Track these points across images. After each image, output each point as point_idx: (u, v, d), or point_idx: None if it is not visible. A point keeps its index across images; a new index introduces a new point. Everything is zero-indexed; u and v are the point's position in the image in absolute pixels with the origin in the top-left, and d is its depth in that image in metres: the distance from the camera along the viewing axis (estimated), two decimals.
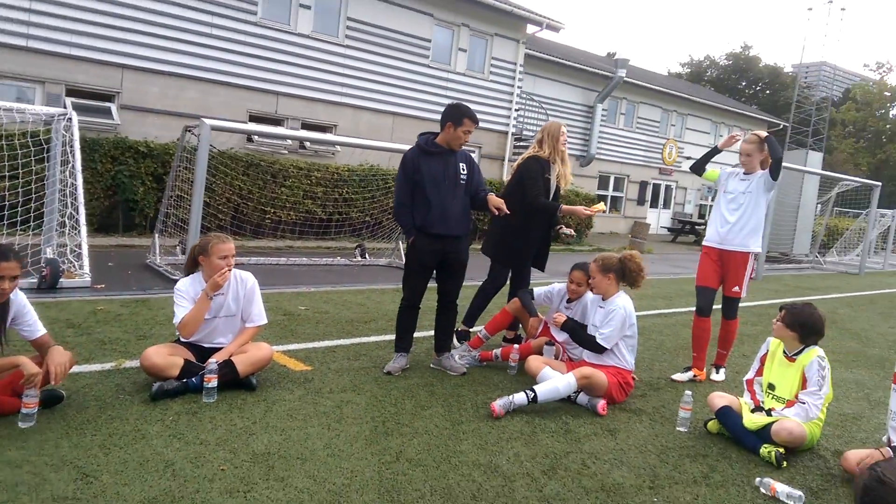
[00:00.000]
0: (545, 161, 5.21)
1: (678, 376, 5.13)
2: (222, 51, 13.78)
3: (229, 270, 4.05)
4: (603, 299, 4.50)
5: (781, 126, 31.95)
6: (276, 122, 14.93)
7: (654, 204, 28.74)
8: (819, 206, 19.47)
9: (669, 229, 26.73)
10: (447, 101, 4.65)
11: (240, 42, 13.97)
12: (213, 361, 3.83)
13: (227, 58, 13.85)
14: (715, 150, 5.17)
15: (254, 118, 14.48)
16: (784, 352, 3.90)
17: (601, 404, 4.09)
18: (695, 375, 5.13)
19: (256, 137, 13.61)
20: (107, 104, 12.54)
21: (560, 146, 5.24)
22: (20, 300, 3.41)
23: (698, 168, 5.26)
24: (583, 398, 4.18)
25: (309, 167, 12.81)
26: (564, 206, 5.19)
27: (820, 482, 3.34)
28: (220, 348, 4.09)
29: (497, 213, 4.52)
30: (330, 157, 15.18)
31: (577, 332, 4.51)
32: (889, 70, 56.61)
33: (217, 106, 13.69)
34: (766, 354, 4.04)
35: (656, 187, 28.69)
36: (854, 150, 53.06)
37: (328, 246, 12.26)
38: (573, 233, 5.60)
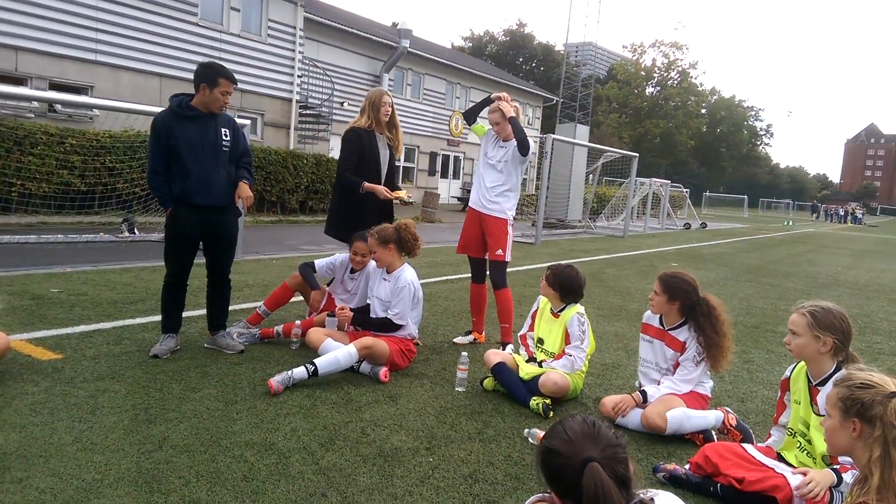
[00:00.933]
0: (363, 131, 5.00)
1: (459, 339, 5.33)
2: None
3: None
4: (388, 271, 4.49)
5: (555, 101, 34.69)
6: (17, 81, 12.93)
7: (444, 174, 29.79)
8: (589, 175, 21.54)
9: (459, 199, 27.92)
10: (222, 63, 4.23)
11: None
12: None
13: None
14: (488, 101, 5.18)
15: None
16: (551, 309, 4.21)
17: (383, 371, 4.11)
18: (474, 339, 5.37)
19: None
20: None
21: (381, 115, 5.03)
22: None
23: (469, 116, 5.29)
24: (365, 367, 4.17)
25: (62, 133, 11.28)
26: (367, 184, 4.91)
27: None
28: None
29: (243, 209, 4.32)
30: (87, 121, 13.52)
31: (369, 321, 4.42)
32: (643, 51, 64.01)
33: None
34: (536, 311, 4.34)
35: (445, 158, 29.75)
36: (618, 125, 59.54)
37: (91, 221, 10.96)
38: (408, 197, 5.28)
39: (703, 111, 67.28)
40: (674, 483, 2.96)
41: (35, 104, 12.69)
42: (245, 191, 4.29)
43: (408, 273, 4.45)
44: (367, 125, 5.02)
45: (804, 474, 2.65)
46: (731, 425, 3.58)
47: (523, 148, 4.93)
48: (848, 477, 2.51)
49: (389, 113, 5.11)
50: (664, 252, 14.88)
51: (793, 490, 2.60)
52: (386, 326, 4.34)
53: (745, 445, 3.09)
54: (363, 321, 4.44)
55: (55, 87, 13.43)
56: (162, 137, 4.11)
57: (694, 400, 3.66)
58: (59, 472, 2.66)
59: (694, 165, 73.13)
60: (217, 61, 4.37)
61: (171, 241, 4.29)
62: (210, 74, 4.12)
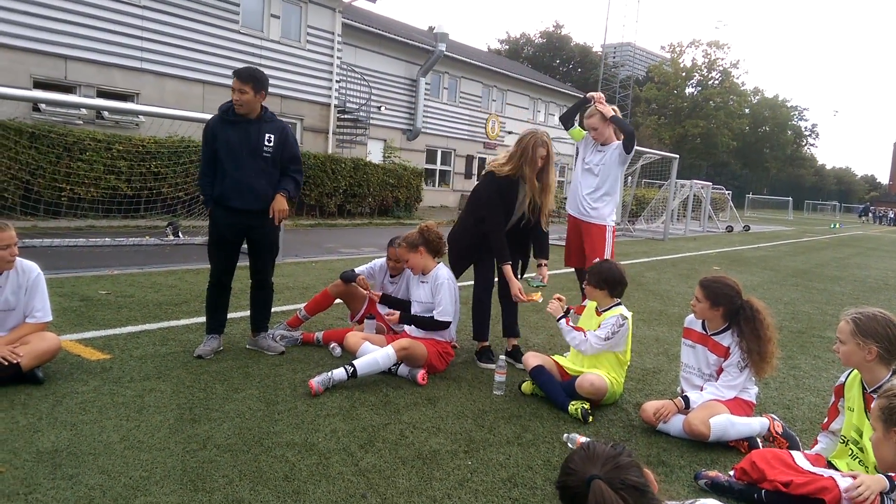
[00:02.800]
0: (503, 180, 4.49)
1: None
2: None
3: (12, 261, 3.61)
4: (423, 274, 4.51)
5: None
6: (67, 89, 13.38)
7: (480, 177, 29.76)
8: (628, 177, 21.30)
9: None
10: (262, 69, 4.31)
11: None
12: None
13: (2, 16, 12.09)
14: (584, 101, 5.01)
15: (39, 85, 12.84)
16: (597, 308, 4.15)
17: (421, 374, 4.12)
18: None
19: (44, 106, 12.08)
20: None
21: (535, 163, 4.43)
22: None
23: (566, 120, 5.14)
24: (403, 370, 4.20)
25: (109, 139, 11.64)
26: (507, 270, 4.46)
27: (622, 433, 3.60)
28: None
29: (275, 221, 4.34)
30: (133, 127, 13.90)
31: (416, 319, 4.42)
32: (682, 51, 63.04)
33: None
34: (583, 307, 4.29)
35: (482, 161, 29.71)
36: (657, 126, 58.68)
37: (137, 225, 11.27)
38: (544, 278, 4.74)
39: (746, 111, 65.86)
40: (716, 490, 2.89)
41: (83, 111, 13.11)
42: (280, 203, 4.32)
43: (443, 271, 4.48)
44: (509, 172, 4.50)
45: (854, 477, 2.57)
46: (776, 433, 3.49)
47: (630, 143, 4.76)
48: None
49: (545, 160, 4.48)
50: (706, 255, 14.61)
51: (842, 492, 2.53)
52: (432, 325, 4.35)
53: (793, 453, 3.01)
54: (410, 318, 4.44)
55: (102, 94, 13.84)
56: (209, 140, 4.30)
57: (738, 406, 3.57)
58: (107, 469, 2.74)
59: (736, 167, 71.58)
60: (258, 67, 4.45)
61: (211, 241, 4.44)
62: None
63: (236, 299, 5.08)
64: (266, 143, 4.31)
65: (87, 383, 3.70)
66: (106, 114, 13.41)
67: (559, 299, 4.16)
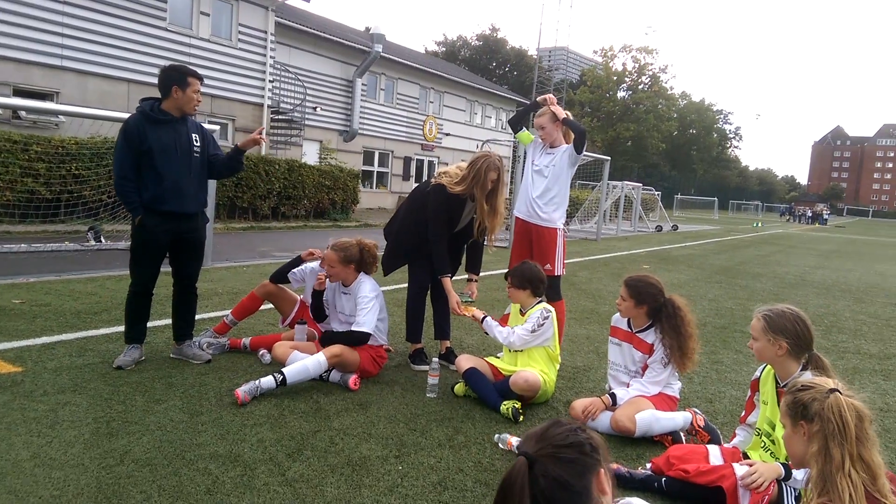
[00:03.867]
0: (453, 196, 4.50)
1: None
2: None
3: None
4: (344, 285, 4.44)
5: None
6: None
7: (418, 179, 29.76)
8: None
9: None
10: (192, 68, 4.17)
11: None
12: None
13: None
14: (535, 105, 4.97)
15: None
16: (520, 310, 4.20)
17: (353, 379, 4.06)
18: None
19: None
20: None
21: (486, 185, 4.47)
22: None
23: (515, 123, 5.12)
24: (335, 375, 4.13)
25: (26, 140, 11.05)
26: (445, 282, 4.50)
27: None
28: None
29: (258, 137, 4.39)
30: (52, 128, 13.26)
31: (335, 336, 4.26)
32: (613, 56, 64.70)
33: None
34: (507, 315, 4.33)
35: (420, 163, 29.73)
36: (591, 129, 60.06)
37: (56, 230, 10.74)
38: (473, 293, 4.76)
39: (674, 115, 68.22)
40: (619, 481, 2.95)
41: None
42: (248, 138, 4.37)
43: (367, 285, 4.37)
44: (462, 190, 4.50)
45: (751, 465, 2.68)
46: (699, 426, 3.61)
47: (581, 142, 4.71)
48: (800, 474, 2.53)
49: (495, 183, 4.52)
50: (636, 255, 15.02)
51: (738, 479, 2.63)
52: (353, 339, 4.20)
53: (710, 447, 3.11)
54: (329, 338, 4.26)
55: (20, 93, 13.14)
56: (134, 142, 4.00)
57: (662, 402, 3.68)
58: (15, 489, 2.59)
59: (665, 168, 74.03)
60: (182, 63, 4.32)
61: (139, 250, 4.20)
62: (179, 76, 4.08)
63: (159, 306, 4.91)
64: (195, 143, 4.19)
65: None
66: (23, 113, 12.73)
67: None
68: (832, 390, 1.99)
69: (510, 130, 5.36)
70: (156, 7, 15.57)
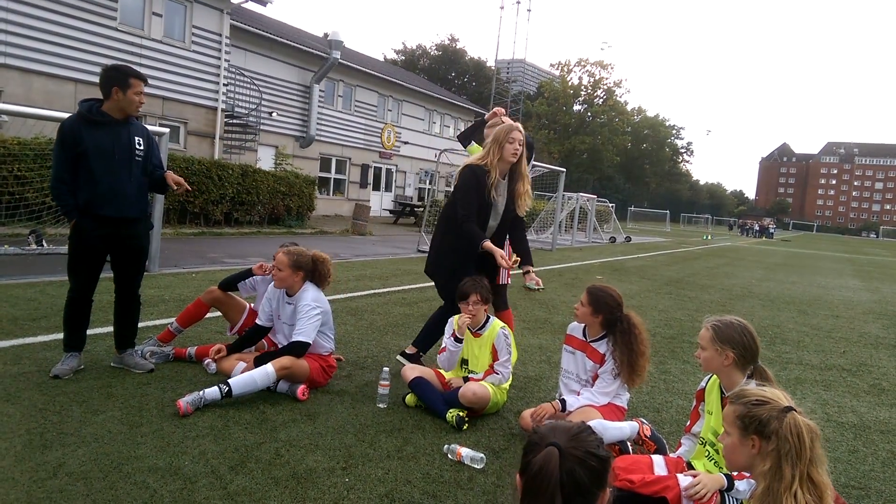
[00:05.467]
0: (479, 169, 4.31)
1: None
2: None
3: None
4: (288, 294, 4.30)
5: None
6: None
7: (376, 187, 29.66)
8: None
9: (391, 211, 27.81)
10: (142, 69, 4.05)
11: None
12: None
13: None
14: (482, 121, 5.00)
15: None
16: (469, 328, 4.17)
17: (301, 389, 3.98)
18: None
19: None
20: None
21: (508, 155, 4.29)
22: None
23: (465, 138, 5.17)
24: (283, 385, 4.04)
25: None
26: (487, 244, 4.22)
27: (502, 442, 3.64)
28: None
29: (176, 189, 4.14)
30: None
31: (272, 355, 4.07)
32: (569, 70, 65.79)
33: None
34: (453, 333, 4.25)
35: (377, 170, 29.63)
36: (547, 140, 60.88)
37: None
38: (537, 282, 4.54)
39: (628, 129, 69.71)
40: None
41: None
42: (173, 176, 4.15)
43: (309, 293, 4.23)
44: (488, 164, 4.32)
45: (694, 475, 2.72)
46: (645, 436, 3.64)
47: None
48: (743, 485, 2.58)
49: (518, 154, 4.36)
50: (590, 265, 15.23)
51: (681, 490, 2.66)
52: (292, 351, 4.06)
53: (655, 458, 3.15)
54: (268, 357, 4.07)
55: None
56: (69, 144, 3.89)
57: (611, 412, 3.72)
58: None
59: (620, 181, 75.59)
60: (130, 65, 4.19)
61: (75, 255, 4.06)
62: (120, 76, 3.95)
63: (101, 313, 4.74)
64: (137, 146, 4.06)
65: None
66: None
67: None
68: (788, 408, 2.02)
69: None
70: (105, 6, 15.16)
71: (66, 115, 8.45)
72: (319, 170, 25.50)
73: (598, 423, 3.56)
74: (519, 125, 4.43)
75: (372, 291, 8.36)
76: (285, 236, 15.50)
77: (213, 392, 3.68)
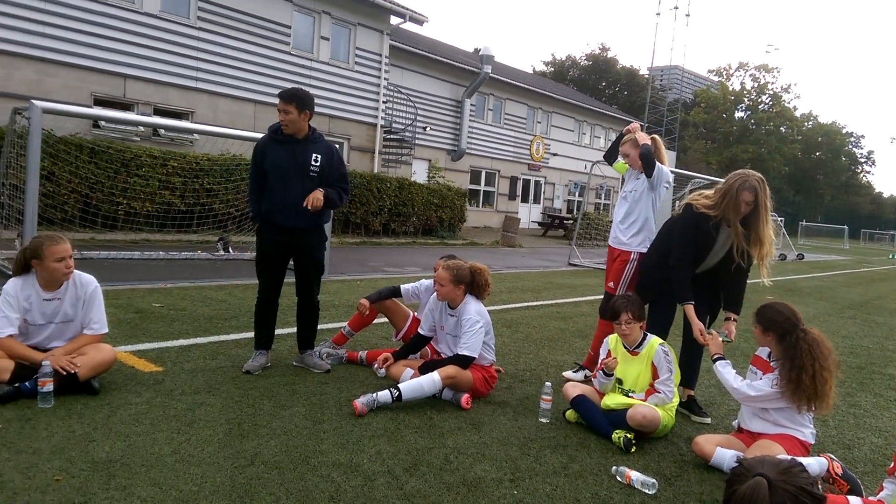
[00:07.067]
0: (702, 218, 4.11)
1: (569, 374, 5.10)
2: (60, 28, 12.60)
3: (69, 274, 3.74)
4: (451, 306, 4.42)
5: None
6: (125, 106, 13.89)
7: (524, 199, 29.73)
8: (675, 202, 20.91)
9: (540, 223, 27.75)
10: (311, 90, 4.43)
11: (79, 19, 12.83)
12: (45, 363, 3.50)
13: (66, 36, 12.67)
14: (622, 136, 5.06)
15: (99, 102, 13.39)
16: (625, 346, 4.06)
17: (465, 398, 4.08)
18: (586, 375, 5.03)
19: (104, 123, 12.58)
20: None
21: (739, 206, 3.98)
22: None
23: (609, 156, 5.23)
24: (447, 393, 4.16)
25: (164, 155, 12.01)
26: (689, 310, 4.11)
27: (674, 469, 3.49)
28: None
29: (310, 209, 4.28)
30: (188, 145, 14.35)
31: (435, 364, 4.21)
32: (729, 75, 62.10)
33: (57, 88, 12.56)
34: (609, 352, 4.14)
35: (526, 182, 29.69)
36: (706, 150, 57.76)
37: (189, 239, 11.57)
38: (730, 334, 4.26)
39: (799, 137, 64.31)
40: None
41: (141, 128, 13.57)
42: (317, 193, 4.30)
43: (472, 306, 4.32)
44: (717, 214, 4.07)
45: None
46: (836, 474, 3.33)
47: (647, 166, 4.68)
48: None
49: (749, 208, 3.99)
50: (757, 283, 14.18)
51: None
52: (459, 363, 4.17)
53: (852, 499, 2.87)
54: (434, 365, 4.19)
55: (159, 112, 14.32)
56: (257, 160, 4.41)
57: (793, 446, 3.43)
58: (159, 482, 2.78)
59: (789, 193, 69.77)
60: (304, 88, 4.55)
61: (258, 257, 4.53)
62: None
63: (283, 315, 5.14)
64: (313, 162, 4.38)
65: (140, 395, 3.78)
66: (162, 131, 13.87)
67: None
68: None
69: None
70: (281, 33, 16.54)
71: (247, 134, 9.36)
72: (469, 182, 26.00)
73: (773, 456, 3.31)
74: (755, 178, 4.03)
75: (526, 304, 8.36)
76: (439, 247, 15.96)
77: (385, 395, 3.87)
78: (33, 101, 6.81)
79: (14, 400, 3.48)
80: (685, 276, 4.19)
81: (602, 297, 5.15)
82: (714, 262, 4.32)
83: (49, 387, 3.46)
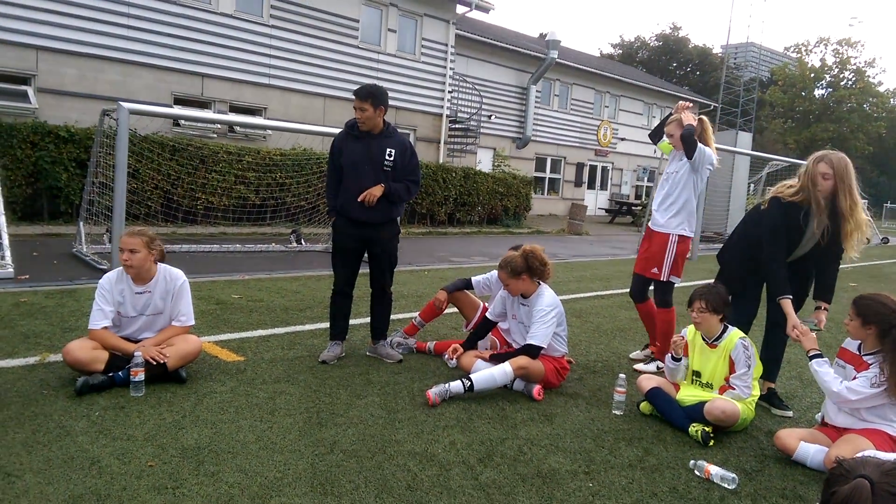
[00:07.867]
0: (791, 206, 3.99)
1: (636, 354, 5.32)
2: (142, 31, 13.18)
3: (130, 266, 3.89)
4: (524, 297, 4.40)
5: (712, 107, 32.96)
6: (203, 104, 14.41)
7: (591, 185, 29.24)
8: (751, 185, 20.15)
9: (607, 210, 27.25)
10: (378, 83, 4.51)
11: (159, 22, 13.38)
12: (137, 353, 3.71)
13: (147, 38, 13.25)
14: (669, 115, 5.03)
15: (179, 101, 13.94)
16: (703, 339, 3.97)
17: (536, 389, 4.09)
18: (651, 352, 5.19)
19: (183, 121, 13.11)
20: (23, 87, 11.82)
21: (818, 191, 3.88)
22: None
23: (654, 135, 5.23)
24: (519, 384, 4.18)
25: (239, 151, 12.42)
26: (785, 304, 3.93)
27: (754, 463, 3.41)
28: None
29: (366, 204, 4.34)
30: (261, 140, 14.78)
31: (505, 356, 4.23)
32: (809, 51, 58.98)
33: (140, 88, 13.13)
34: (671, 351, 4.07)
35: (593, 168, 29.18)
36: (783, 130, 55.19)
37: (263, 232, 11.96)
38: (820, 323, 4.10)
39: (884, 114, 60.59)
40: None
41: (217, 125, 14.08)
42: (375, 188, 4.35)
43: (546, 297, 4.29)
44: (801, 199, 3.98)
45: None
46: None
47: (688, 147, 4.64)
48: None
49: (827, 188, 3.88)
50: (840, 269, 13.52)
51: None
52: (528, 353, 4.18)
53: None
54: (505, 356, 4.22)
55: (234, 109, 14.82)
56: (335, 155, 4.55)
57: (884, 442, 3.28)
58: (244, 468, 2.92)
59: (873, 174, 65.99)
60: (375, 82, 4.62)
61: (333, 249, 4.67)
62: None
63: (356, 306, 5.27)
64: (387, 157, 4.45)
65: (224, 384, 3.96)
66: (237, 127, 14.35)
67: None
68: None
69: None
70: (349, 27, 16.78)
71: (317, 128, 9.58)
72: (535, 169, 25.77)
73: (871, 455, 3.18)
74: (829, 154, 3.95)
75: (594, 293, 8.26)
76: (504, 236, 15.93)
77: (457, 385, 3.93)
78: (121, 103, 7.17)
79: (108, 389, 3.69)
80: (780, 271, 4.04)
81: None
82: (804, 252, 4.17)
83: (140, 376, 3.67)
